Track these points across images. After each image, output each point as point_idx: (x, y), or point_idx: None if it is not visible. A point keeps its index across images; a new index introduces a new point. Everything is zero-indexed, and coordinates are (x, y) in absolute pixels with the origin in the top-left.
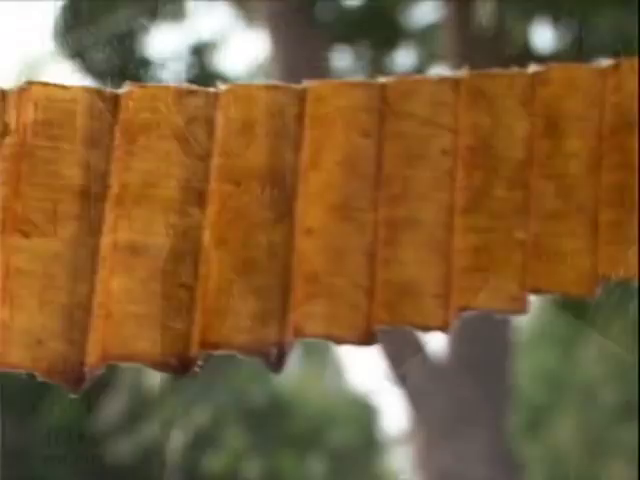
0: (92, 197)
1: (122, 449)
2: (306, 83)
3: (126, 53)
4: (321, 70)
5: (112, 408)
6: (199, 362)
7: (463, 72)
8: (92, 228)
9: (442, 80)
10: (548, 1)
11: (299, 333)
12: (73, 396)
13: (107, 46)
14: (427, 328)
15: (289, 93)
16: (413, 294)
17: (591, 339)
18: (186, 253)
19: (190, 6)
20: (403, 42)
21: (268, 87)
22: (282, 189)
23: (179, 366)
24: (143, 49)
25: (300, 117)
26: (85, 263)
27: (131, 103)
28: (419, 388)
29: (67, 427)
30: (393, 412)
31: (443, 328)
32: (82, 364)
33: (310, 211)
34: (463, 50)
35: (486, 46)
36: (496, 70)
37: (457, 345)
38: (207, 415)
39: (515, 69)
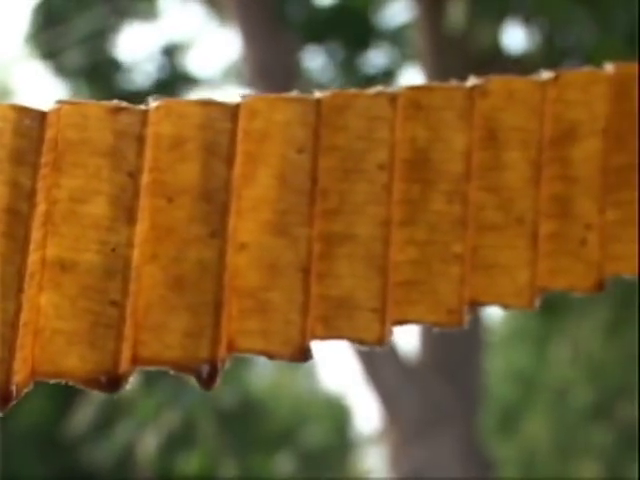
0: (19, 214)
1: (95, 452)
2: (239, 99)
3: (97, 53)
4: (292, 70)
5: (85, 412)
6: (129, 379)
7: (399, 86)
8: (19, 245)
9: (378, 94)
10: (519, 1)
11: (233, 349)
12: (45, 400)
13: (78, 47)
14: (363, 342)
15: (222, 108)
16: (349, 308)
17: (564, 339)
18: (116, 270)
19: (161, 6)
20: (376, 42)
21: (200, 103)
22: (215, 204)
23: (109, 383)
24: (114, 50)
25: (233, 132)
26: (12, 281)
27: (59, 119)
28: (391, 388)
29: (39, 431)
30: (365, 412)
31: (379, 342)
32: (9, 382)
33: (244, 226)
34: (435, 50)
35: (457, 46)
36: (434, 83)
37: (429, 344)
38: (179, 417)
39: (454, 82)
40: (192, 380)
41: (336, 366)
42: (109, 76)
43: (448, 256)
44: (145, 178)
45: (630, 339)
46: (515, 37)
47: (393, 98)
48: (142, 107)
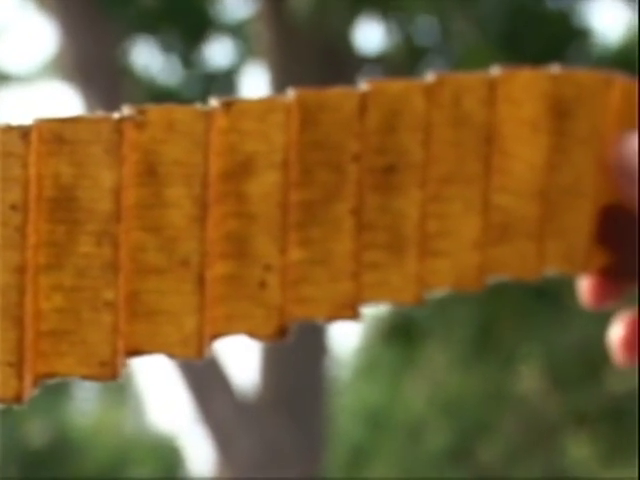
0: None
1: None
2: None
3: None
4: (116, 65)
5: None
6: None
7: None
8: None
9: (9, 129)
10: None
11: None
12: None
13: None
14: (1, 400)
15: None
16: None
17: (420, 372)
18: None
19: None
20: (215, 35)
21: None
22: None
23: None
24: None
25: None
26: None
27: None
28: (225, 425)
29: None
30: (198, 452)
31: (18, 399)
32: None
33: None
34: (281, 46)
35: (306, 42)
36: (79, 115)
37: (268, 379)
38: None
39: (101, 113)
40: None
41: (167, 403)
42: None
43: (98, 303)
44: None
45: (490, 372)
46: (373, 34)
47: (25, 133)
48: None
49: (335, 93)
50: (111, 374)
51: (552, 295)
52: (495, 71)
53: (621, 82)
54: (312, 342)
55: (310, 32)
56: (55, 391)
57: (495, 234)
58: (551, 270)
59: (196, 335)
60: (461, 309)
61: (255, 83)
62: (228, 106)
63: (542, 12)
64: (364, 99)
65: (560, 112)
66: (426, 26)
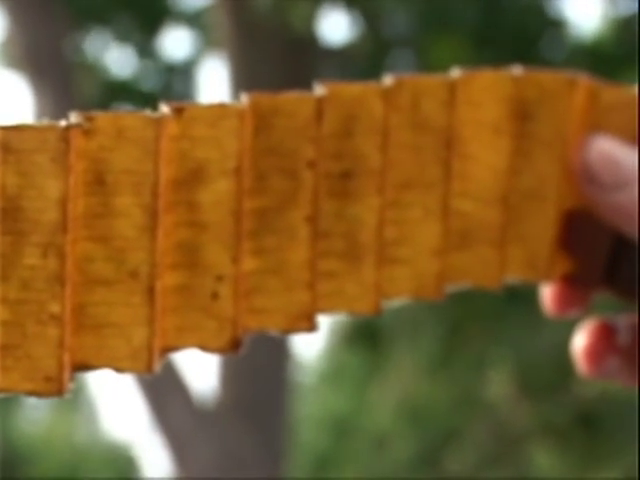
0: None
1: None
2: None
3: None
4: (65, 54)
5: None
6: None
7: None
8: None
9: None
10: None
11: None
12: None
13: None
14: None
15: None
16: None
17: (386, 379)
18: None
19: None
20: (173, 25)
21: None
22: None
23: None
24: None
25: None
26: None
27: None
28: (182, 434)
29: None
30: (153, 462)
31: None
32: None
33: None
34: (241, 36)
35: (268, 32)
36: (26, 123)
37: (227, 385)
38: None
39: (50, 122)
40: None
41: (121, 410)
42: None
43: (44, 316)
44: None
45: (458, 377)
46: (337, 24)
47: None
48: None
49: (290, 98)
50: (57, 390)
51: (523, 297)
52: (455, 73)
53: (585, 83)
54: (274, 346)
55: (272, 22)
56: (3, 399)
57: (455, 241)
58: (513, 277)
59: (145, 348)
60: (428, 312)
61: (214, 75)
62: (179, 112)
63: (515, 2)
64: (320, 104)
65: (522, 114)
66: (393, 17)
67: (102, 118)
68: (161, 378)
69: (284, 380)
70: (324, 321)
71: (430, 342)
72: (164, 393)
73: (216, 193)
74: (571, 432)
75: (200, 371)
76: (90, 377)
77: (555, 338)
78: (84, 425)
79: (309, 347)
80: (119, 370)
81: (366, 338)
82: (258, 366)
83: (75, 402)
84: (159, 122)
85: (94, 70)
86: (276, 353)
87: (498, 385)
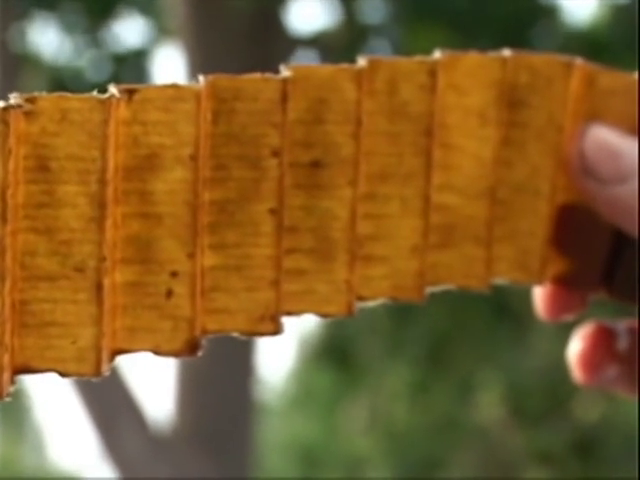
0: None
1: None
2: None
3: None
4: (11, 45)
5: None
6: None
7: None
8: None
9: None
10: None
11: None
12: None
13: None
14: None
15: None
16: None
17: (360, 402)
18: None
19: None
20: (124, 11)
21: None
22: None
23: None
24: None
25: None
26: None
27: None
28: (135, 463)
29: None
30: None
31: None
32: None
33: None
34: (198, 24)
35: (227, 21)
36: None
37: (185, 409)
38: None
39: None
40: None
41: (69, 437)
42: None
43: None
44: None
45: (442, 400)
46: (308, 11)
47: None
48: None
49: (253, 79)
50: None
51: (513, 311)
52: (437, 55)
53: (582, 67)
54: (236, 365)
55: (234, 8)
56: None
57: (437, 238)
58: (502, 279)
59: (93, 350)
60: (409, 327)
61: (169, 65)
62: (130, 94)
63: None
64: (285, 86)
65: (512, 101)
66: (371, 2)
67: (45, 100)
68: (112, 401)
69: (248, 403)
70: (291, 339)
71: (410, 360)
72: (115, 417)
73: (171, 182)
74: (567, 460)
75: (155, 392)
76: (36, 402)
77: (549, 356)
78: (31, 454)
79: (275, 367)
80: (64, 373)
81: (337, 355)
82: (219, 387)
83: (20, 429)
84: (107, 104)
85: (40, 61)
86: (239, 373)
87: (487, 408)
